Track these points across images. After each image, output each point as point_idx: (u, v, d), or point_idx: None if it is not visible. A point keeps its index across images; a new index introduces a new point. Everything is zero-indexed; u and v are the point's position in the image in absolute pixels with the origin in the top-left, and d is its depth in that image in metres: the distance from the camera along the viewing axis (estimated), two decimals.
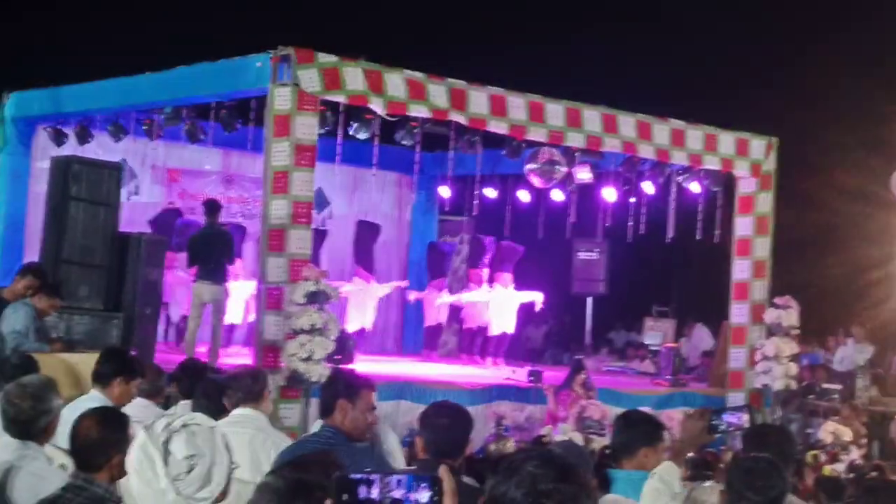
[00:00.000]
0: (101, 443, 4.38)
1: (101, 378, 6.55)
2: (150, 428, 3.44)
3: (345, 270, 18.51)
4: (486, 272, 17.92)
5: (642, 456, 5.10)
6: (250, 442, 5.78)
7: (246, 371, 6.37)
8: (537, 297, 17.33)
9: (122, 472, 4.43)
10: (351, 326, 16.44)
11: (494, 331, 17.22)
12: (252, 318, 15.15)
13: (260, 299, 12.27)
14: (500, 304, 17.15)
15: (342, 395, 5.30)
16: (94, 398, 6.34)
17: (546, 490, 2.66)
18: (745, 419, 5.32)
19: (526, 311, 17.72)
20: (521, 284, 17.52)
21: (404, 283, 18.35)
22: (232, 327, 15.92)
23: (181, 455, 3.39)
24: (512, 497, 2.67)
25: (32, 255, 13.67)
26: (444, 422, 4.87)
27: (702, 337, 19.66)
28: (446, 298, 17.77)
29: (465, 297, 17.68)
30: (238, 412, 6.06)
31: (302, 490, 3.06)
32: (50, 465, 4.99)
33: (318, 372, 11.38)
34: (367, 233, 17.73)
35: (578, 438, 12.09)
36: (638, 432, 5.22)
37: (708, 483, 5.51)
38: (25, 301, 10.23)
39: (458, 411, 5.00)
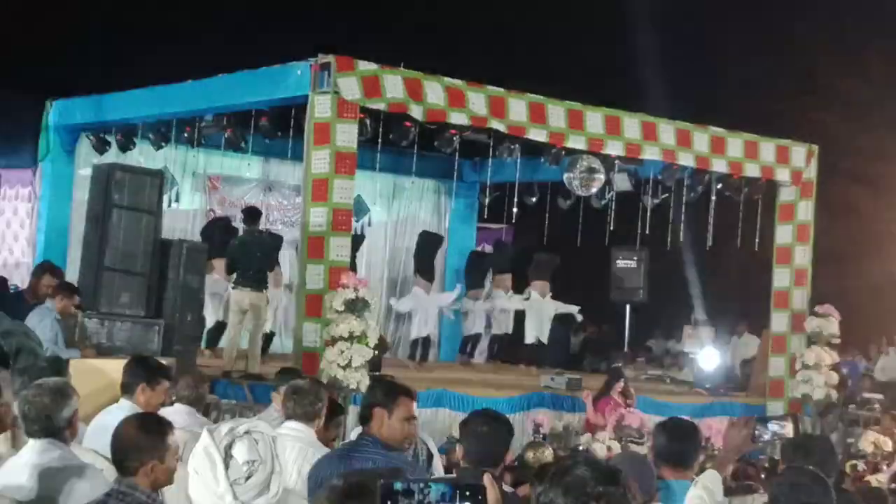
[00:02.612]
0: (137, 447, 4.40)
1: (126, 388, 6.60)
2: (215, 431, 3.47)
3: (383, 276, 18.51)
4: (509, 278, 17.83)
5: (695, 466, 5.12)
6: (298, 456, 5.83)
7: (311, 388, 6.39)
8: (573, 310, 17.27)
9: (166, 480, 4.47)
10: (414, 334, 16.56)
11: (528, 338, 17.13)
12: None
13: (299, 306, 12.32)
14: (535, 312, 17.06)
15: (379, 402, 5.30)
16: (123, 406, 6.40)
17: (595, 493, 2.70)
18: (789, 428, 5.29)
19: (563, 318, 17.67)
20: (559, 291, 17.46)
21: (455, 294, 18.28)
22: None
23: (242, 460, 3.41)
24: (560, 502, 2.70)
25: (75, 261, 13.78)
26: (485, 430, 4.84)
27: (749, 344, 19.50)
28: (480, 306, 17.73)
29: (497, 305, 17.62)
30: (291, 425, 6.12)
31: (359, 494, 3.09)
32: (82, 462, 5.03)
33: (357, 379, 11.43)
34: (429, 243, 17.68)
35: (617, 447, 12.07)
36: (695, 443, 5.25)
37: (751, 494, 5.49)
38: (47, 306, 10.34)
39: (498, 419, 4.98)
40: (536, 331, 17.08)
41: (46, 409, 5.00)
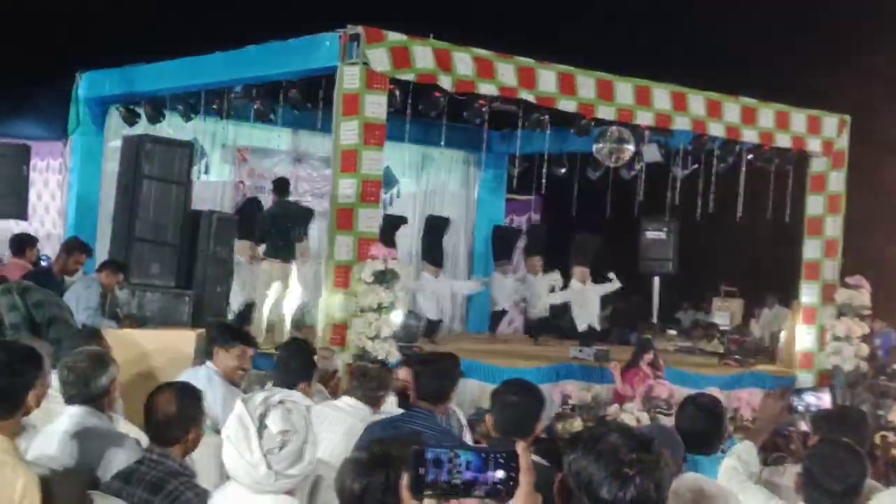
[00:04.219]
0: (180, 418, 4.44)
1: (207, 353, 6.77)
2: (249, 400, 3.48)
3: (412, 248, 18.47)
4: (540, 260, 17.73)
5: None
6: (349, 431, 5.93)
7: (377, 375, 6.51)
8: (615, 287, 17.10)
9: (195, 446, 4.51)
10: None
11: (580, 326, 16.86)
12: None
13: (327, 278, 12.35)
14: (580, 301, 16.84)
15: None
16: (202, 368, 6.59)
17: (628, 460, 2.69)
18: (826, 400, 5.26)
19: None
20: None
21: (477, 286, 18.22)
22: None
23: (276, 430, 3.42)
24: (593, 470, 2.70)
25: (105, 232, 13.86)
26: (515, 399, 4.84)
27: (779, 315, 19.42)
28: (509, 283, 17.60)
29: (533, 290, 17.42)
30: (349, 401, 6.24)
31: (382, 462, 3.10)
32: (119, 432, 5.07)
33: (385, 350, 11.46)
34: (436, 227, 17.62)
35: (645, 418, 12.06)
36: (719, 427, 5.24)
37: (782, 465, 5.46)
38: (94, 277, 10.53)
39: (529, 389, 4.96)
40: (587, 319, 16.83)
41: (84, 374, 5.04)
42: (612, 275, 16.87)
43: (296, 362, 6.39)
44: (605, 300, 18.28)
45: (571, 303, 16.78)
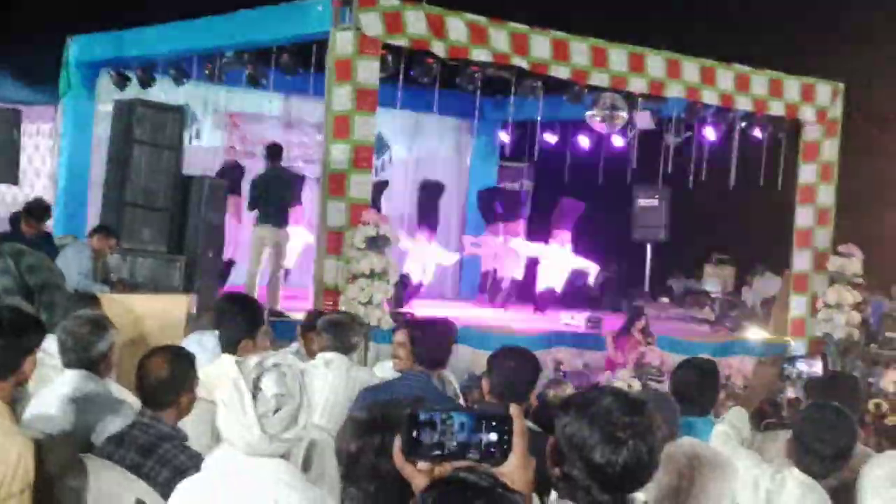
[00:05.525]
0: (172, 382, 4.43)
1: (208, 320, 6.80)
2: (243, 363, 3.46)
3: (404, 215, 18.44)
4: (521, 224, 17.74)
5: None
6: (333, 387, 5.94)
7: (346, 320, 6.51)
8: (592, 268, 17.18)
9: (188, 410, 4.50)
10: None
11: (540, 286, 16.92)
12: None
13: (319, 244, 12.33)
14: (552, 262, 16.87)
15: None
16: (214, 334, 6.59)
17: (621, 424, 2.69)
18: (818, 367, 5.30)
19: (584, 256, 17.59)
20: (579, 232, 17.36)
21: (457, 257, 18.25)
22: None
23: (270, 393, 3.41)
24: (586, 434, 2.69)
25: (96, 198, 13.80)
26: (511, 364, 4.87)
27: (770, 283, 19.44)
28: (497, 242, 17.59)
29: (515, 246, 17.43)
30: (326, 356, 6.25)
31: (380, 425, 3.09)
32: (115, 397, 5.06)
33: (378, 316, 11.47)
34: (431, 192, 17.58)
35: (637, 385, 12.10)
36: (714, 385, 5.27)
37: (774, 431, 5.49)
38: (85, 242, 10.55)
39: (525, 355, 5.00)
40: (551, 280, 16.88)
41: (83, 339, 5.02)
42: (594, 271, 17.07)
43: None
44: (599, 266, 18.28)
45: (541, 259, 16.80)
